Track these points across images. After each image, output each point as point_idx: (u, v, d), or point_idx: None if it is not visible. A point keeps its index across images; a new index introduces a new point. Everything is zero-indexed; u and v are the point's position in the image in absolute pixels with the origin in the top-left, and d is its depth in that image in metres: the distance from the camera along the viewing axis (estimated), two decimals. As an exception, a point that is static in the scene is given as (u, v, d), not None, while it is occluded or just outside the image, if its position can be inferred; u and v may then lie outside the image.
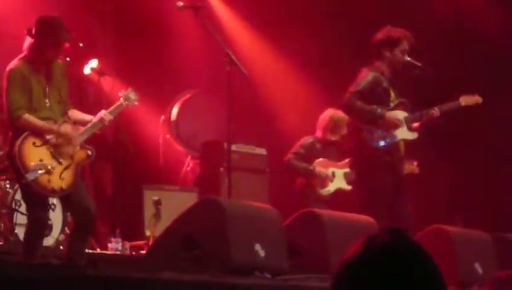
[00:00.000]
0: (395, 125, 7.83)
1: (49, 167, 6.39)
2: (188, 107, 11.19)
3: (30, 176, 6.32)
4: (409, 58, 7.93)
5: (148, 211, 9.25)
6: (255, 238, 6.16)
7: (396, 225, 1.94)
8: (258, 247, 6.12)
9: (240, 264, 5.97)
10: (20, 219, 7.70)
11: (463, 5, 10.72)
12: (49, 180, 6.40)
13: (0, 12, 9.49)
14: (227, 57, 7.41)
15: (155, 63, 11.23)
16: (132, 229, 9.48)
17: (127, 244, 9.10)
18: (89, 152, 6.73)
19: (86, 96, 10.45)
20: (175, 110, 11.14)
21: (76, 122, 6.74)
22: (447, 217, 9.27)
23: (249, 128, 10.29)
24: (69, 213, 7.51)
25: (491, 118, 10.19)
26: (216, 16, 11.12)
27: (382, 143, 7.80)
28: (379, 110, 7.78)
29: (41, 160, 6.39)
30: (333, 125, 9.22)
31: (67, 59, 7.67)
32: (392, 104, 7.94)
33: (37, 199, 6.49)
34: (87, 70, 10.07)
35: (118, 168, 10.94)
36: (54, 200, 7.55)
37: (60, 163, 6.49)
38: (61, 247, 7.95)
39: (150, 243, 8.43)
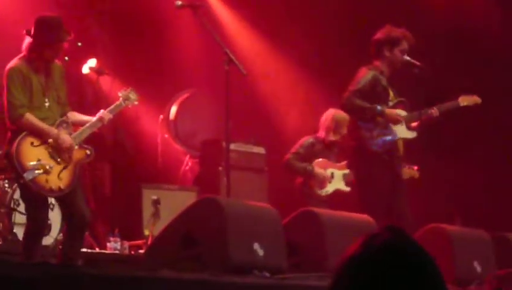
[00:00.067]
0: (396, 120, 7.84)
1: (47, 167, 6.39)
2: (186, 106, 11.19)
3: (28, 176, 6.32)
4: (408, 58, 7.94)
5: (147, 210, 9.26)
6: (253, 237, 6.16)
7: (394, 223, 1.95)
8: (256, 246, 6.13)
9: (239, 263, 5.97)
10: (19, 218, 7.70)
11: (463, 5, 10.72)
12: (47, 180, 6.39)
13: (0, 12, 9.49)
14: (225, 56, 7.40)
15: (153, 62, 11.23)
16: (131, 229, 9.48)
17: (126, 244, 9.10)
18: (88, 152, 6.73)
19: (84, 95, 10.45)
20: (173, 110, 11.15)
21: (75, 124, 6.75)
22: (445, 216, 9.26)
23: (248, 127, 10.29)
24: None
25: (490, 118, 10.19)
26: (215, 15, 11.12)
27: (381, 141, 7.81)
28: (379, 108, 7.79)
29: (39, 160, 6.39)
30: (335, 125, 9.21)
31: (66, 58, 7.66)
32: (391, 103, 7.95)
33: (36, 199, 6.48)
34: (85, 69, 10.06)
35: (117, 167, 10.95)
36: (52, 200, 7.55)
37: (58, 163, 6.49)
38: (60, 247, 7.94)
39: (149, 242, 8.43)
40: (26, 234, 6.64)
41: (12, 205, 7.83)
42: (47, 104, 6.53)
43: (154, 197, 9.19)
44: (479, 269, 7.53)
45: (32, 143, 6.41)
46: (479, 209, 10.29)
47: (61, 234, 8.03)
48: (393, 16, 8.85)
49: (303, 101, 11.21)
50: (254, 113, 10.92)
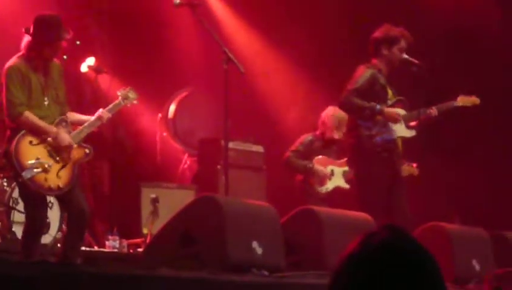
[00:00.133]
0: (395, 119, 7.84)
1: (46, 166, 6.39)
2: (185, 104, 11.19)
3: (26, 174, 6.32)
4: (406, 56, 7.94)
5: (146, 208, 9.26)
6: (252, 236, 6.16)
7: (393, 222, 1.95)
8: (255, 244, 6.13)
9: (237, 262, 5.97)
10: (18, 217, 7.70)
11: (463, 5, 10.71)
12: (45, 179, 6.39)
13: (-1, 11, 9.50)
14: (224, 54, 7.40)
15: (152, 61, 11.23)
16: (130, 227, 9.48)
17: (125, 242, 9.10)
18: (87, 150, 6.73)
19: (83, 94, 10.45)
20: (172, 108, 11.14)
21: (74, 124, 6.75)
22: (445, 215, 9.27)
23: (246, 126, 10.29)
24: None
25: (490, 117, 10.19)
26: (213, 14, 11.12)
27: (380, 140, 7.81)
28: (378, 107, 7.79)
29: (38, 158, 6.39)
30: (338, 124, 9.20)
31: (65, 57, 7.67)
32: (389, 102, 7.95)
33: (34, 198, 6.48)
34: (84, 68, 10.06)
35: (116, 166, 10.95)
36: (51, 199, 7.55)
37: (57, 161, 6.49)
38: (59, 245, 7.95)
39: (148, 240, 8.43)
40: (25, 232, 6.64)
41: (11, 204, 7.83)
42: (46, 103, 6.53)
43: (153, 196, 9.20)
44: (477, 267, 7.54)
45: (31, 142, 6.41)
46: (478, 208, 10.30)
47: (60, 233, 8.03)
48: (393, 15, 8.85)
49: (302, 100, 11.21)
50: (253, 112, 10.92)
